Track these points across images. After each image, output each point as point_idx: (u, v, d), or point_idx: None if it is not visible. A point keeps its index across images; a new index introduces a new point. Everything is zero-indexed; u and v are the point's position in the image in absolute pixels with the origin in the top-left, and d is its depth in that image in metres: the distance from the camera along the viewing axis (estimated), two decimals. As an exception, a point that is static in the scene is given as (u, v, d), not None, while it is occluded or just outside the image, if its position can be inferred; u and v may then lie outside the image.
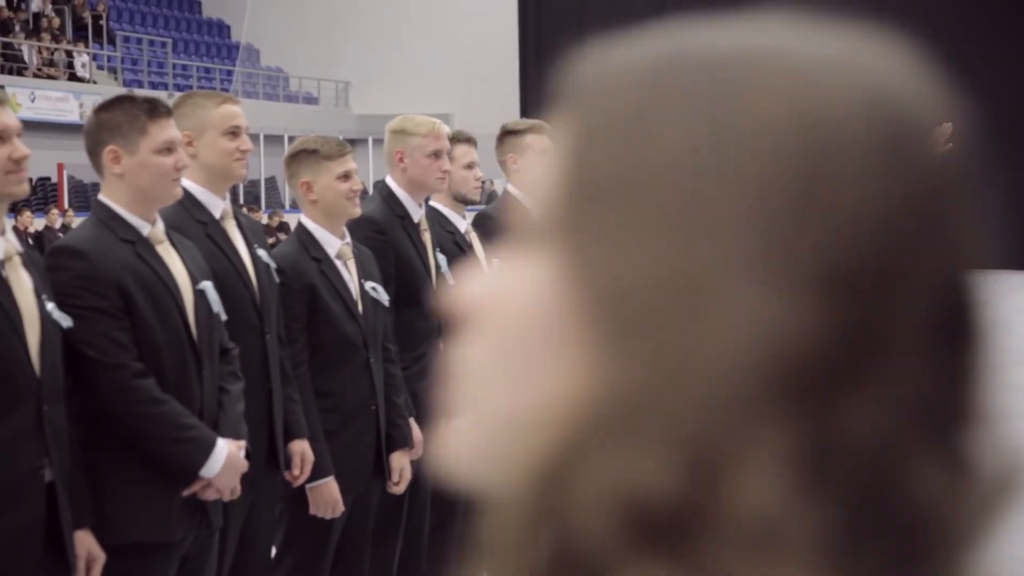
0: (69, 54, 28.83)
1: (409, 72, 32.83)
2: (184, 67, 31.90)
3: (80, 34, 30.15)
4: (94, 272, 3.54)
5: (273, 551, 4.48)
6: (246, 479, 3.81)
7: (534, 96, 33.21)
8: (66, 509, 3.35)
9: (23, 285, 3.32)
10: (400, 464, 4.64)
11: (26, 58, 27.51)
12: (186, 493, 3.67)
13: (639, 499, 0.50)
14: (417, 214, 4.96)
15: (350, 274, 4.52)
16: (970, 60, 29.03)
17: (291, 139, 17.22)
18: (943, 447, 0.52)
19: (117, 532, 3.56)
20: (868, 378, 0.50)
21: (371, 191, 6.05)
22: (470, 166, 5.26)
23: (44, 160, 22.89)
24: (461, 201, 5.31)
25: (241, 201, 24.31)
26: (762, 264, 0.50)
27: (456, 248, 5.12)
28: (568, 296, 0.53)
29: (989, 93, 28.19)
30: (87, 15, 30.33)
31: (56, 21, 29.22)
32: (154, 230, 3.69)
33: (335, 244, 4.50)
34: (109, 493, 3.56)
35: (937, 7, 28.34)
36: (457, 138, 5.24)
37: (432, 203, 5.24)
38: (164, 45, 31.57)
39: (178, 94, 5.32)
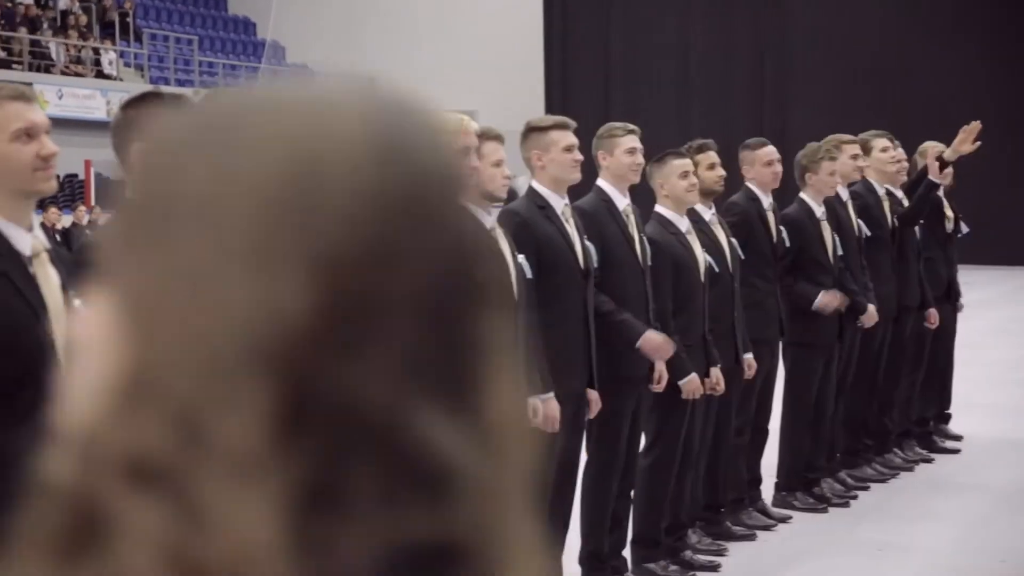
0: (96, 51, 28.95)
1: (434, 68, 32.86)
2: (210, 64, 32.00)
3: (107, 31, 30.26)
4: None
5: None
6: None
7: (559, 92, 33.15)
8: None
9: (50, 281, 3.34)
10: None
11: (53, 55, 27.64)
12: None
13: (134, 455, 0.61)
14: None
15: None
16: (970, 60, 28.89)
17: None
18: (448, 400, 0.62)
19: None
20: (362, 342, 0.61)
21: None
22: (498, 163, 5.17)
23: (71, 157, 22.97)
24: (489, 199, 5.27)
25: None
26: (259, 254, 0.61)
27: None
28: (113, 302, 0.64)
29: (989, 93, 28.03)
30: (114, 12, 30.43)
31: (83, 18, 29.33)
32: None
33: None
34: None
35: (937, 7, 28.20)
36: (485, 135, 5.18)
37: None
38: (190, 42, 31.67)
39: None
